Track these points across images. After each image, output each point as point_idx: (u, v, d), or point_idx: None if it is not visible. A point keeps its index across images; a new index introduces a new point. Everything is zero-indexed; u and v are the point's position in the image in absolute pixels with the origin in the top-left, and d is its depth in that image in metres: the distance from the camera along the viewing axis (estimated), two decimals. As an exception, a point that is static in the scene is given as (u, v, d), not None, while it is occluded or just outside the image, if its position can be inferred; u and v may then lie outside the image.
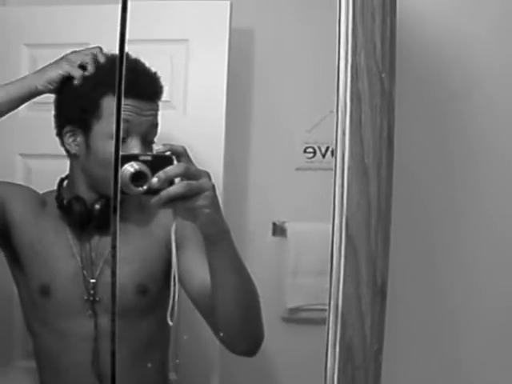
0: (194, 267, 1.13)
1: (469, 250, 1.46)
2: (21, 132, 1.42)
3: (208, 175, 0.97)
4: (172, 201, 0.94)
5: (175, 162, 0.95)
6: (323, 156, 1.54)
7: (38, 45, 1.43)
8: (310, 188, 1.49)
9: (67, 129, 1.16)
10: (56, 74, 1.12)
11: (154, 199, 0.93)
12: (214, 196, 0.97)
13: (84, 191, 1.18)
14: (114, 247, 0.69)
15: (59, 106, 1.17)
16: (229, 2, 1.42)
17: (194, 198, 0.95)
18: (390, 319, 0.87)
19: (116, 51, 1.07)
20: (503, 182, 1.46)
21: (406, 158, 1.21)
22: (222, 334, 1.07)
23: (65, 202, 1.19)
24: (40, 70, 1.14)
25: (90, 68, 1.12)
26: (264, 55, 1.52)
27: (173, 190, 0.93)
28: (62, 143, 1.18)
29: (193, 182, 0.94)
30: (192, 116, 1.45)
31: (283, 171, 1.53)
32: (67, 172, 1.22)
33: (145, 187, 0.93)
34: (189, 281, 1.14)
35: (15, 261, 1.21)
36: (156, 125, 1.16)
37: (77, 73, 1.12)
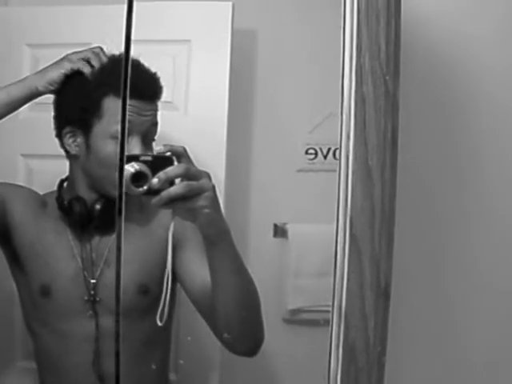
0: (195, 268, 1.14)
1: (473, 252, 1.47)
2: (22, 132, 1.42)
3: (208, 176, 0.97)
4: (172, 201, 0.93)
5: (175, 162, 0.95)
6: (325, 157, 1.54)
7: (40, 45, 1.43)
8: (311, 189, 1.49)
9: (67, 129, 1.16)
10: (57, 74, 1.12)
11: (155, 199, 0.93)
12: (215, 196, 0.97)
13: (84, 191, 1.18)
14: (119, 249, 0.69)
15: (59, 107, 1.17)
16: (231, 3, 1.42)
17: (194, 199, 0.94)
18: (393, 321, 0.87)
19: (118, 51, 1.08)
20: (508, 183, 1.47)
21: (410, 160, 1.22)
22: (225, 335, 1.07)
23: (65, 202, 1.19)
24: (41, 71, 1.14)
25: (95, 63, 1.12)
26: (266, 56, 1.52)
27: (173, 190, 0.93)
28: (62, 144, 1.18)
29: (193, 183, 0.94)
30: (194, 117, 1.45)
31: (285, 172, 1.53)
32: (67, 173, 1.22)
33: (145, 187, 0.93)
34: (189, 281, 1.14)
35: (15, 261, 1.21)
36: (156, 124, 1.16)
37: (81, 65, 1.12)
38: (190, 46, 1.45)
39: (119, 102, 1.09)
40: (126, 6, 0.70)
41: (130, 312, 1.15)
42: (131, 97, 1.07)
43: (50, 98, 1.16)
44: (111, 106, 1.12)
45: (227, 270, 1.03)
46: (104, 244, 1.19)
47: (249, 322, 1.09)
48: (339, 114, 0.84)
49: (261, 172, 1.53)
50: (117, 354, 0.73)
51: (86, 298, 1.18)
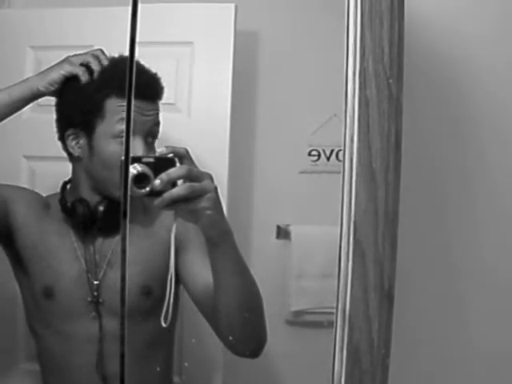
0: (197, 269, 1.14)
1: (476, 253, 1.47)
2: (25, 134, 1.42)
3: (210, 177, 0.97)
4: (174, 203, 0.94)
5: (178, 164, 0.95)
6: (328, 159, 1.54)
7: (43, 47, 1.43)
8: (314, 191, 1.49)
9: (69, 132, 1.16)
10: (58, 75, 1.12)
11: (157, 201, 0.93)
12: (217, 198, 0.97)
13: (87, 193, 1.18)
14: (123, 251, 0.69)
15: (61, 110, 1.17)
16: (233, 5, 1.42)
17: (196, 200, 0.94)
18: (397, 323, 0.87)
19: (122, 53, 1.08)
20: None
21: (414, 163, 1.22)
22: (230, 338, 1.07)
23: (68, 204, 1.19)
24: (42, 72, 1.15)
25: (94, 67, 1.13)
26: (268, 58, 1.52)
27: (175, 191, 0.93)
28: (65, 147, 1.18)
29: (195, 184, 0.94)
30: (196, 118, 1.46)
31: (287, 174, 1.53)
32: (70, 175, 1.22)
33: (147, 189, 0.93)
34: (192, 282, 1.14)
35: (18, 263, 1.21)
36: (158, 123, 1.17)
37: (80, 71, 1.12)
38: (193, 47, 1.45)
39: (121, 103, 1.11)
40: (130, 8, 0.70)
41: (133, 313, 1.14)
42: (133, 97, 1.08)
43: (53, 99, 1.16)
44: (113, 106, 1.12)
45: (229, 271, 1.03)
46: (107, 245, 1.20)
47: (251, 323, 1.09)
48: (343, 117, 0.84)
49: (264, 173, 1.53)
50: (122, 356, 0.73)
51: (89, 299, 1.18)
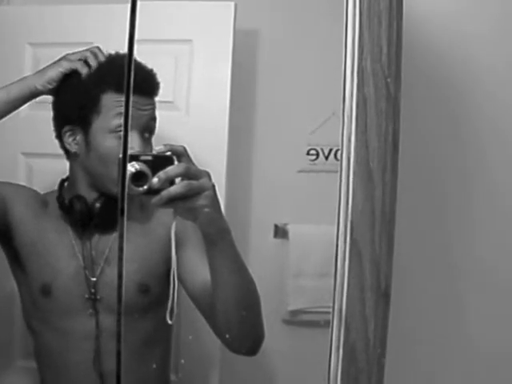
0: (195, 266, 1.14)
1: (473, 253, 1.47)
2: (23, 131, 1.43)
3: (208, 175, 0.97)
4: (172, 200, 0.94)
5: (176, 162, 0.95)
6: (326, 158, 1.54)
7: (42, 44, 1.43)
8: (312, 190, 1.50)
9: (66, 128, 1.17)
10: (56, 72, 1.13)
11: (155, 199, 0.93)
12: (215, 196, 0.97)
13: (85, 190, 1.19)
14: (120, 249, 0.69)
15: (57, 107, 1.18)
16: (233, 3, 1.42)
17: (194, 198, 0.94)
18: (395, 322, 0.87)
19: (121, 50, 1.08)
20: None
21: (412, 163, 1.22)
22: (227, 336, 1.07)
23: (66, 201, 1.19)
24: (40, 71, 1.15)
25: (92, 62, 1.13)
26: (267, 56, 1.52)
27: (173, 189, 0.93)
28: (62, 144, 1.19)
29: (193, 182, 0.94)
30: (195, 117, 1.46)
31: (286, 173, 1.53)
32: (68, 173, 1.22)
33: (145, 187, 0.93)
34: (190, 280, 1.14)
35: (16, 261, 1.21)
36: (154, 119, 1.17)
37: (78, 65, 1.13)
38: (192, 45, 1.45)
39: (117, 98, 1.11)
40: (129, 6, 0.70)
41: (130, 311, 1.14)
42: (129, 91, 1.08)
43: (51, 96, 1.16)
44: (109, 101, 1.13)
45: (227, 269, 1.03)
46: (104, 242, 1.20)
47: (248, 321, 1.09)
48: (340, 116, 0.84)
49: (262, 172, 1.53)
50: (118, 353, 0.73)
51: (86, 296, 1.18)
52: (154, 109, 1.16)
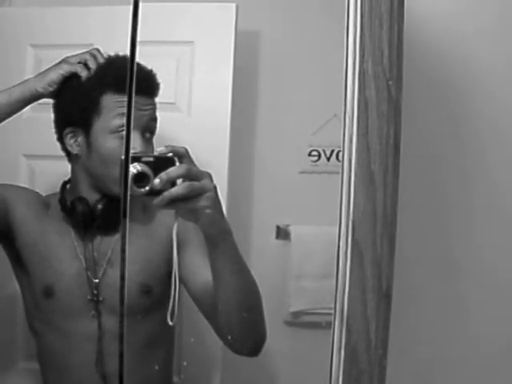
0: (197, 267, 1.14)
1: (474, 254, 1.47)
2: (24, 133, 1.43)
3: (210, 176, 0.97)
4: (174, 202, 0.94)
5: (177, 163, 0.95)
6: (328, 159, 1.54)
7: (44, 45, 1.44)
8: (314, 191, 1.50)
9: (68, 130, 1.17)
10: (57, 75, 1.13)
11: (157, 200, 0.93)
12: (216, 197, 0.97)
13: (86, 192, 1.19)
14: (123, 250, 0.69)
15: (59, 109, 1.18)
16: (234, 5, 1.42)
17: (195, 199, 0.95)
18: (396, 323, 0.87)
19: (122, 52, 1.09)
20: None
21: (414, 164, 1.22)
22: (229, 337, 1.07)
23: (68, 203, 1.19)
24: (40, 74, 1.16)
25: (92, 65, 1.14)
26: (269, 58, 1.52)
27: (175, 190, 0.93)
28: (64, 146, 1.19)
29: (195, 183, 0.94)
30: (197, 118, 1.46)
31: (288, 174, 1.53)
32: (70, 175, 1.23)
33: (147, 188, 0.93)
34: (192, 281, 1.14)
35: (18, 263, 1.22)
36: (155, 119, 1.17)
37: (78, 68, 1.13)
38: (194, 47, 1.45)
39: (117, 98, 1.12)
40: (131, 7, 0.71)
41: (133, 312, 1.15)
42: (129, 92, 1.09)
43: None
44: (109, 102, 1.13)
45: (229, 270, 1.03)
46: (106, 244, 1.20)
47: (250, 322, 1.09)
48: (342, 119, 0.84)
49: (264, 173, 1.53)
50: (121, 355, 0.73)
51: (88, 297, 1.18)
52: (154, 109, 1.17)
